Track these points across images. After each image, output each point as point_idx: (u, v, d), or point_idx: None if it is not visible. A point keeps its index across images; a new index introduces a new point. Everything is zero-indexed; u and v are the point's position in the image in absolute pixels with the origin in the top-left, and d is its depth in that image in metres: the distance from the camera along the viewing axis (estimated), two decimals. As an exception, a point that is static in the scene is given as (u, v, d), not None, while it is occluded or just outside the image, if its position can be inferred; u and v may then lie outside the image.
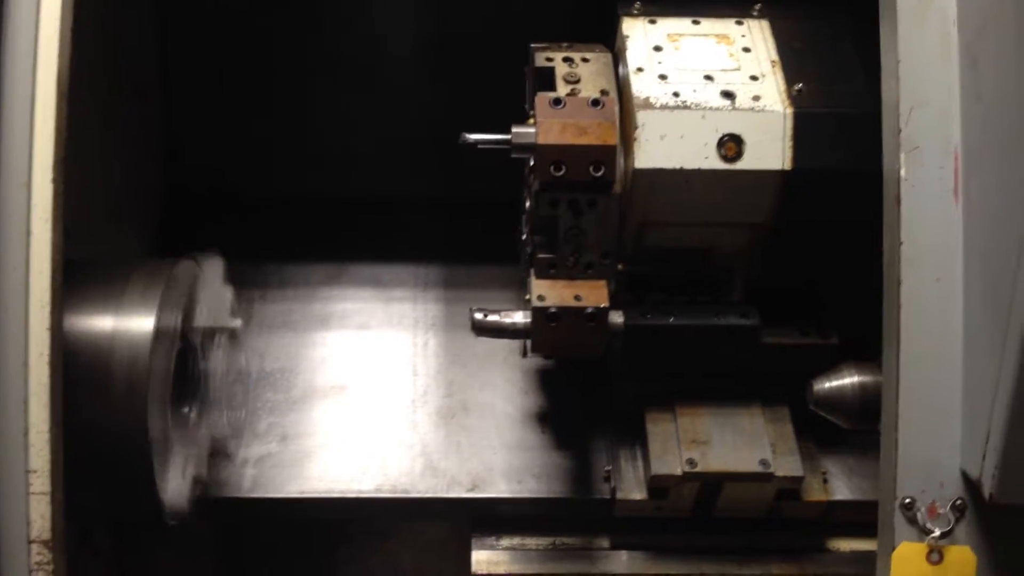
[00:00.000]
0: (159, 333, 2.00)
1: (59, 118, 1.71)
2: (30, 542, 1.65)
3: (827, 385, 1.99)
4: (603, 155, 2.01)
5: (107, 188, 2.40)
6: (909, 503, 1.56)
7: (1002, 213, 1.46)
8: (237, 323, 2.38)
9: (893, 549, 1.55)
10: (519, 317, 2.13)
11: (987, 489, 1.47)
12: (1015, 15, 1.44)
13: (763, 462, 2.16)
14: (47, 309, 1.67)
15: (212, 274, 2.27)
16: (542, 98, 2.06)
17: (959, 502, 1.56)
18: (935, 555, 1.54)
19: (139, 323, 2.00)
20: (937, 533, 1.54)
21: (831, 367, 2.02)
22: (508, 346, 2.53)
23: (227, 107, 2.83)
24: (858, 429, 1.97)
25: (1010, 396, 1.42)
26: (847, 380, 1.97)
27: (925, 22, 1.60)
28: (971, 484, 1.54)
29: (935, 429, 1.56)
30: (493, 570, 2.27)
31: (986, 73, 1.53)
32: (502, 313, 2.15)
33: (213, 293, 2.28)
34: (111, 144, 2.44)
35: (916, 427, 1.56)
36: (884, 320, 1.61)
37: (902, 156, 1.58)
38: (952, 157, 1.58)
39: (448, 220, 2.81)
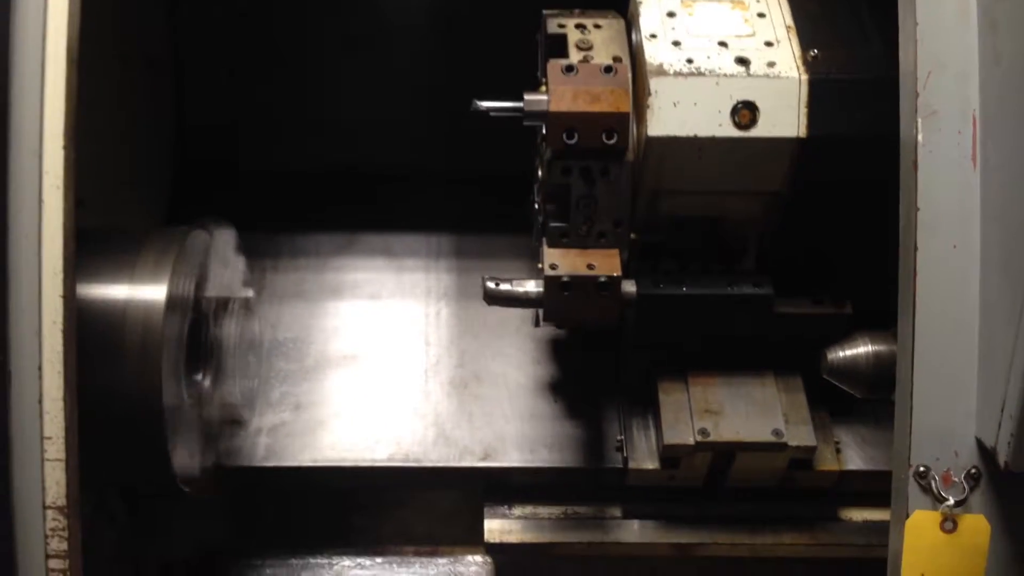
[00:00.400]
0: (172, 302, 2.02)
1: (69, 85, 1.70)
2: (45, 508, 1.65)
3: (841, 354, 1.98)
4: (616, 122, 2.00)
5: (119, 159, 2.41)
6: (923, 471, 1.55)
7: (1021, 179, 1.45)
8: (249, 292, 2.39)
9: (907, 517, 1.55)
10: (531, 286, 2.13)
11: (1002, 457, 1.47)
12: (1037, -25, 1.43)
13: (776, 432, 2.16)
14: (60, 276, 1.67)
15: (224, 243, 2.28)
16: (554, 65, 2.04)
17: (974, 471, 1.55)
18: (949, 523, 1.54)
19: (152, 291, 2.01)
20: (951, 501, 1.54)
21: (845, 336, 2.01)
22: (520, 316, 2.54)
23: (238, 78, 2.84)
24: (871, 398, 1.96)
25: (1026, 363, 1.41)
26: (861, 349, 1.97)
27: (944, -18, 1.58)
28: (986, 452, 1.53)
29: (950, 397, 1.55)
30: (505, 539, 2.28)
31: (1006, 35, 1.51)
32: (514, 282, 2.14)
33: (225, 262, 2.29)
34: (123, 115, 2.45)
35: (931, 395, 1.55)
36: (900, 287, 1.59)
37: (919, 121, 1.56)
38: (970, 122, 1.56)
39: (459, 191, 2.82)
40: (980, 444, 1.54)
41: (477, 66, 2.66)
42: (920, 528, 1.54)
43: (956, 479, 1.55)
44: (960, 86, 1.57)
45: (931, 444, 1.55)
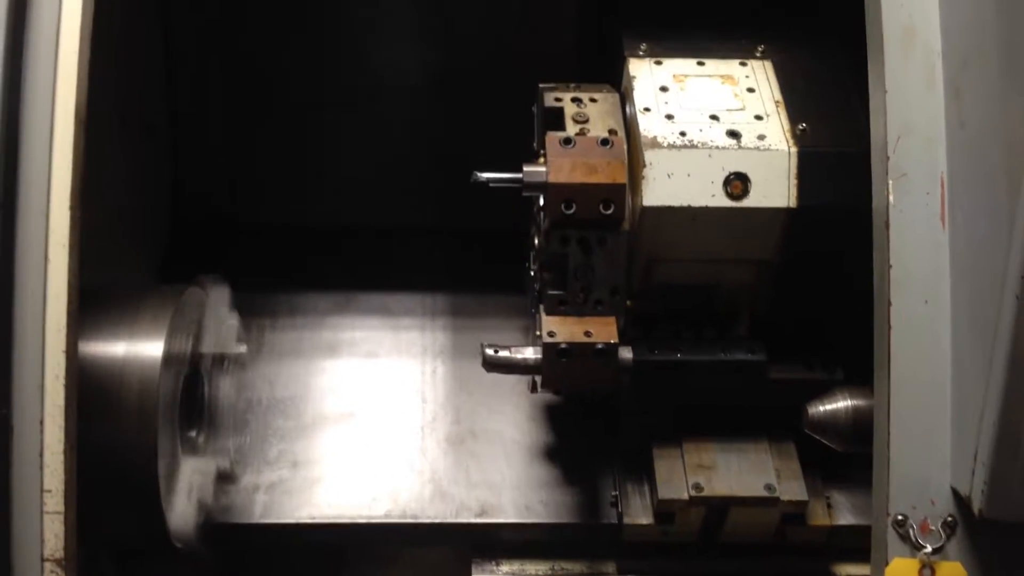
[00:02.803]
0: (168, 358, 2.12)
1: (77, 148, 1.81)
2: (43, 560, 1.73)
3: (821, 409, 2.08)
4: (613, 193, 2.12)
5: (115, 218, 2.51)
6: (901, 520, 1.66)
7: (987, 238, 1.57)
8: (243, 349, 2.50)
9: (886, 565, 1.65)
10: (530, 353, 2.22)
11: (976, 505, 1.57)
12: (997, 49, 1.56)
13: (768, 487, 2.26)
14: (63, 332, 1.76)
15: (218, 300, 2.40)
16: (552, 138, 2.16)
17: (950, 519, 1.65)
18: (927, 571, 1.64)
19: (150, 348, 2.11)
20: (929, 549, 1.64)
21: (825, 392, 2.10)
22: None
23: (234, 139, 2.97)
24: (851, 452, 2.04)
25: (997, 414, 1.52)
26: (840, 404, 2.06)
27: (910, 54, 1.71)
28: (961, 501, 1.63)
29: (925, 447, 1.66)
30: (491, 594, 2.37)
31: (969, 102, 1.64)
32: (513, 349, 2.24)
33: (219, 319, 2.40)
34: (120, 176, 2.55)
35: (907, 445, 1.66)
36: (875, 341, 1.71)
37: (890, 183, 1.69)
38: (939, 183, 1.69)
39: (454, 249, 2.94)
40: (955, 493, 1.64)
41: (472, 124, 2.81)
42: (899, 575, 1.63)
43: (933, 527, 1.65)
44: (928, 150, 1.70)
45: (908, 493, 1.66)
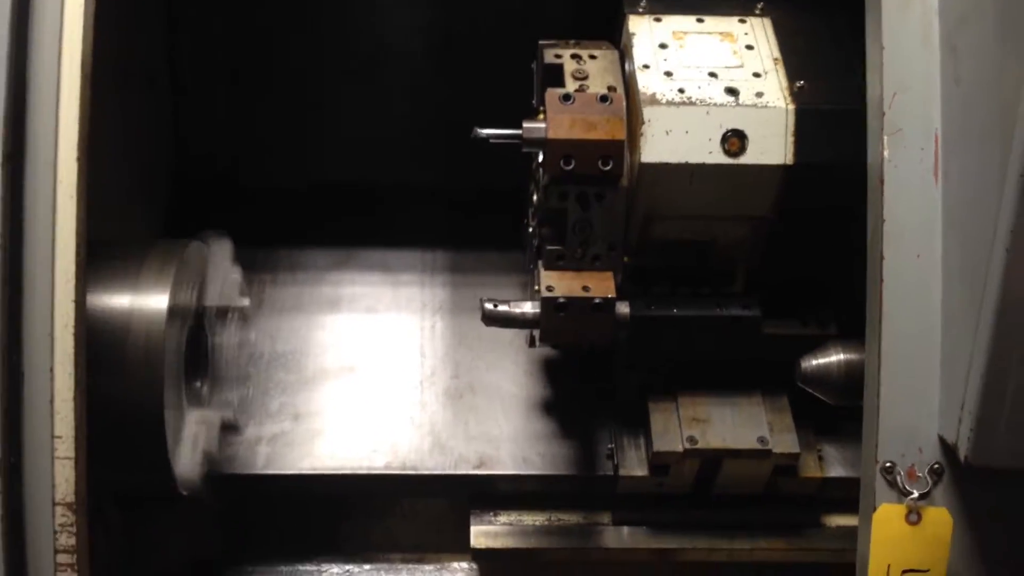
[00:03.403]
0: (173, 311, 2.17)
1: (83, 100, 1.84)
2: (55, 504, 1.78)
3: (814, 362, 2.13)
4: (612, 149, 2.15)
5: (118, 173, 2.55)
6: (889, 467, 1.72)
7: (979, 193, 1.61)
8: (246, 302, 2.55)
9: (874, 510, 1.71)
10: (528, 307, 2.27)
11: (962, 452, 1.63)
12: (993, 7, 1.59)
13: (761, 439, 2.32)
14: (72, 282, 1.80)
15: (221, 255, 2.44)
16: (552, 94, 2.19)
17: (936, 466, 1.71)
18: (914, 516, 1.70)
19: (155, 301, 2.17)
20: (915, 495, 1.70)
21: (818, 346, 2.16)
22: (514, 330, 2.69)
23: (236, 95, 2.99)
24: (843, 405, 2.10)
25: (984, 364, 1.57)
26: (833, 358, 2.11)
27: (908, 11, 1.75)
28: (948, 449, 1.69)
29: (914, 397, 1.71)
30: (491, 544, 2.43)
31: (965, 60, 1.68)
32: (512, 303, 2.28)
33: (223, 273, 2.45)
34: (122, 131, 2.58)
35: (896, 395, 1.72)
36: (867, 294, 1.76)
37: (885, 138, 1.74)
38: (933, 140, 1.73)
39: (453, 207, 2.98)
40: (942, 441, 1.70)
41: (473, 84, 2.84)
42: (886, 520, 1.70)
43: (920, 474, 1.71)
44: (923, 106, 1.74)
45: (897, 441, 1.72)
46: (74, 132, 1.83)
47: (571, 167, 2.16)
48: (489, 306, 2.28)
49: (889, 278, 1.72)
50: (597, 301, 2.20)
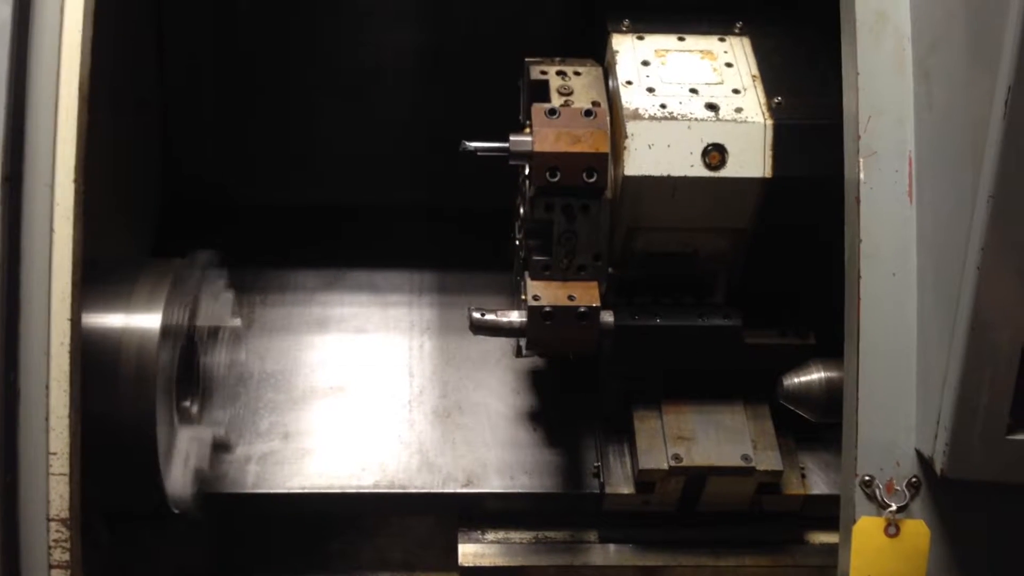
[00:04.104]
0: (165, 330, 2.21)
1: (80, 123, 1.87)
2: (49, 520, 1.81)
3: (795, 380, 2.20)
4: (596, 162, 2.22)
5: (109, 194, 2.58)
6: (868, 480, 1.77)
7: (951, 213, 1.68)
8: (237, 322, 2.59)
9: (854, 523, 1.77)
10: (515, 316, 2.32)
11: (939, 465, 1.68)
12: (963, 34, 1.67)
13: (745, 457, 2.37)
14: (68, 301, 1.84)
15: (213, 275, 2.49)
16: (538, 108, 2.26)
17: (914, 479, 1.77)
18: (892, 528, 1.76)
19: (147, 320, 2.20)
20: (894, 508, 1.76)
21: (799, 364, 2.22)
22: (501, 349, 2.75)
23: (225, 117, 3.04)
24: (825, 422, 2.17)
25: (958, 379, 1.64)
26: (814, 376, 2.18)
27: (882, 38, 1.82)
28: (925, 462, 1.75)
29: (892, 412, 1.78)
30: (479, 562, 2.47)
31: (936, 84, 1.75)
32: (499, 313, 2.34)
33: (215, 293, 2.49)
34: (113, 152, 2.62)
35: (874, 410, 1.78)
36: (846, 312, 1.82)
37: (861, 161, 1.80)
38: (907, 161, 1.80)
39: (441, 227, 3.04)
40: (919, 455, 1.76)
41: (461, 103, 2.90)
42: (866, 533, 1.75)
43: (898, 487, 1.77)
44: (897, 129, 1.81)
45: (875, 455, 1.78)
46: (71, 155, 1.87)
47: (557, 179, 2.22)
48: (477, 315, 2.34)
49: (866, 296, 1.78)
50: (582, 310, 2.26)
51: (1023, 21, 1.49)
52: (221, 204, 3.05)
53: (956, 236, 1.64)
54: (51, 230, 1.86)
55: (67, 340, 1.84)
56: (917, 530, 1.75)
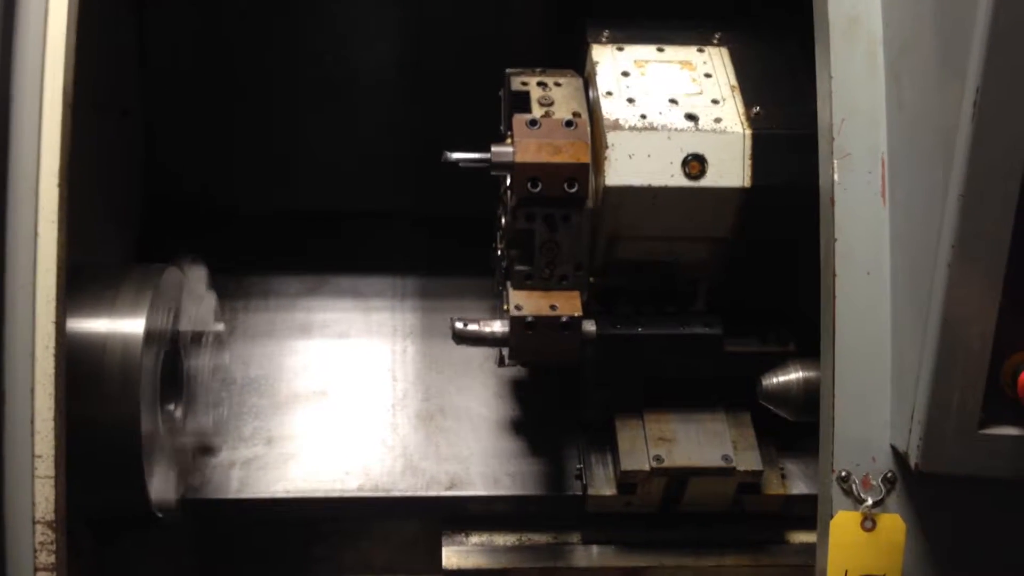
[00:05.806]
0: (149, 335, 2.24)
1: (64, 129, 1.90)
2: (35, 523, 1.84)
3: (775, 380, 2.25)
4: (577, 172, 2.25)
5: (91, 199, 2.61)
6: (845, 476, 1.82)
7: (923, 212, 1.73)
8: (220, 327, 2.62)
9: (831, 518, 1.81)
10: (498, 326, 2.36)
11: (913, 460, 1.73)
12: (932, 36, 1.72)
13: (725, 457, 2.42)
14: (53, 304, 1.86)
15: (196, 280, 2.52)
16: (519, 119, 2.30)
17: (889, 474, 1.82)
18: (868, 522, 1.80)
19: (131, 325, 2.23)
20: (870, 502, 1.81)
21: (778, 365, 2.27)
22: (483, 353, 2.78)
23: (207, 124, 3.06)
24: (803, 421, 2.21)
25: (930, 375, 1.69)
26: (792, 376, 2.23)
27: (854, 42, 1.88)
28: (900, 457, 1.80)
29: (867, 408, 1.83)
30: (463, 565, 2.50)
31: (907, 87, 1.81)
32: (481, 322, 2.37)
33: (198, 298, 2.53)
34: (96, 158, 2.65)
35: (850, 406, 1.83)
36: (821, 310, 1.87)
37: (835, 163, 1.86)
38: (880, 163, 1.85)
39: (423, 233, 3.07)
40: (894, 450, 1.81)
41: (442, 111, 2.94)
42: (843, 527, 1.80)
43: (874, 482, 1.82)
44: (870, 132, 1.87)
45: (851, 451, 1.83)
46: (55, 160, 1.90)
47: (538, 189, 2.26)
48: (459, 325, 2.37)
49: (841, 295, 1.83)
50: (564, 320, 2.30)
51: (991, 23, 1.54)
52: (205, 210, 3.07)
53: (928, 234, 1.70)
54: (36, 234, 1.88)
55: (52, 343, 1.87)
56: (893, 524, 1.80)
